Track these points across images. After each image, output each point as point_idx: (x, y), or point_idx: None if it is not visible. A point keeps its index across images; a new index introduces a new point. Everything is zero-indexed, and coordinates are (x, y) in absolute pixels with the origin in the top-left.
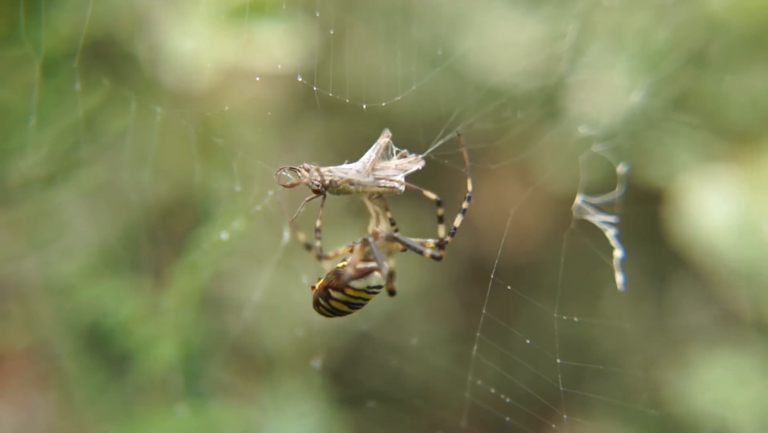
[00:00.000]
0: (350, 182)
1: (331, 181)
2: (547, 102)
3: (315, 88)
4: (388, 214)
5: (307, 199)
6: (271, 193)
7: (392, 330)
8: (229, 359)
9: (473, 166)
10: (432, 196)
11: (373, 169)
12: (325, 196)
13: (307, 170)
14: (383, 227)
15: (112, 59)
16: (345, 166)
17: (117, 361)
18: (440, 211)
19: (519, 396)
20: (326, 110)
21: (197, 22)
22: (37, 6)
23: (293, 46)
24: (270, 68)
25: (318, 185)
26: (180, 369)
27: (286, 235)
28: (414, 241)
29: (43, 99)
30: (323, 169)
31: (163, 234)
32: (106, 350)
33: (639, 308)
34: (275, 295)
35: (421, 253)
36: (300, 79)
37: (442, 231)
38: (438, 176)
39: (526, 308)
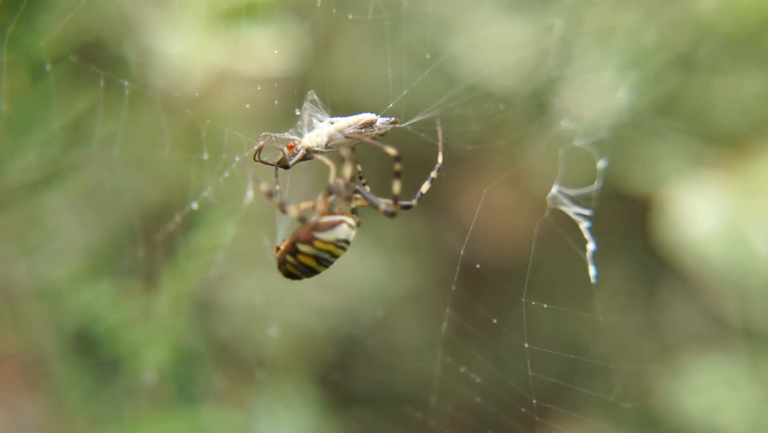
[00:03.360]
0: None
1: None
2: (532, 97)
3: (297, 113)
4: (359, 167)
5: (275, 175)
6: (237, 158)
7: (381, 331)
8: (220, 362)
9: (446, 144)
10: (392, 151)
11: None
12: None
13: (290, 147)
14: (344, 178)
15: (102, 62)
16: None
17: (107, 365)
18: (398, 166)
19: (491, 380)
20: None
21: (186, 25)
22: (24, 10)
23: (284, 49)
24: (260, 71)
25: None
26: (170, 373)
27: (250, 194)
28: (373, 196)
29: (30, 103)
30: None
31: (153, 237)
32: (96, 355)
33: (627, 307)
34: (265, 297)
35: (376, 208)
36: (276, 102)
37: (397, 187)
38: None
39: (514, 305)
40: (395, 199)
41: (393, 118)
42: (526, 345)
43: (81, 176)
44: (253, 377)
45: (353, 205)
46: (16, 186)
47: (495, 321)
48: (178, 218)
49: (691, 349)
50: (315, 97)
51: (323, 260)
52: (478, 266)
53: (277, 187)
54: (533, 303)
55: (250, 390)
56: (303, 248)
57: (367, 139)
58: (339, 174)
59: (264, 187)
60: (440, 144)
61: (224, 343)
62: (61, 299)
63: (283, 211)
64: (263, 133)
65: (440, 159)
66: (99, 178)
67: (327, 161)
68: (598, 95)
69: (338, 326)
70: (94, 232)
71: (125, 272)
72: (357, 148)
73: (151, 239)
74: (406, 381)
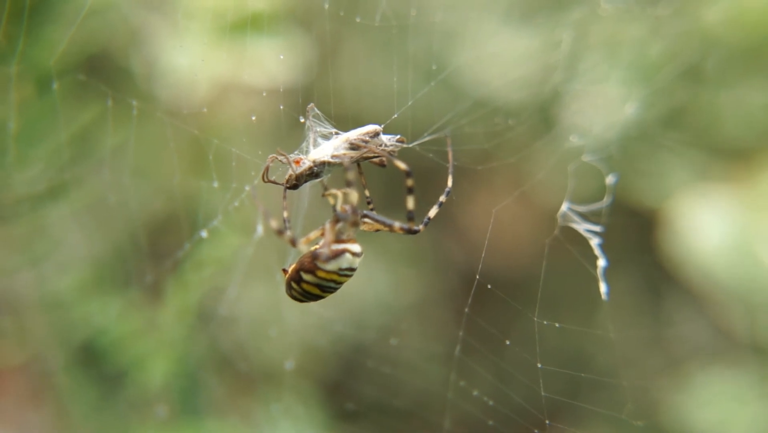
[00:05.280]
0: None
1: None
2: (540, 111)
3: (302, 120)
4: (366, 192)
5: (283, 197)
6: (247, 188)
7: (387, 342)
8: (224, 374)
9: (456, 165)
10: (402, 166)
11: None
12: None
13: (296, 162)
14: (351, 204)
15: (108, 74)
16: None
17: (112, 377)
18: (409, 182)
19: (503, 401)
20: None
21: (192, 37)
22: (30, 22)
23: (289, 59)
24: (266, 82)
25: (299, 179)
26: (175, 386)
27: (260, 229)
28: (384, 218)
29: (37, 115)
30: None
31: (158, 249)
32: (100, 367)
33: (635, 322)
34: (270, 310)
35: (391, 227)
36: (282, 108)
37: (410, 203)
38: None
39: (520, 320)
40: (410, 215)
41: (399, 136)
42: (539, 366)
43: (87, 188)
44: (257, 389)
45: (364, 229)
46: (22, 197)
47: (508, 342)
48: (188, 246)
49: (699, 363)
50: (317, 111)
51: (327, 288)
52: (489, 286)
53: (285, 214)
54: (545, 322)
55: (255, 402)
56: (306, 276)
57: (376, 149)
58: (345, 200)
59: (274, 224)
60: (450, 166)
61: (229, 355)
62: (66, 310)
63: (294, 245)
64: (270, 156)
65: (450, 182)
66: (105, 190)
67: (333, 190)
68: (605, 109)
69: (342, 337)
70: (100, 243)
71: (130, 283)
72: (363, 172)
73: (157, 251)
74: (412, 394)
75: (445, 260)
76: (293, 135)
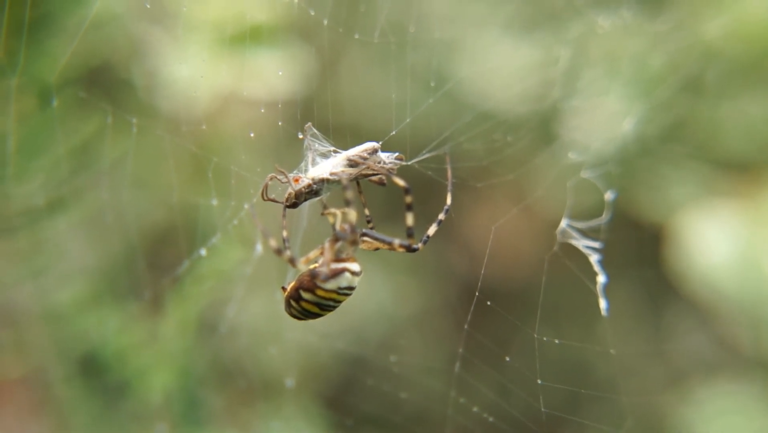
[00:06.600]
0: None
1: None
2: (540, 126)
3: (300, 136)
4: (366, 211)
5: (283, 215)
6: (246, 206)
7: (387, 354)
8: (225, 385)
9: (455, 183)
10: (401, 182)
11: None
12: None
13: (296, 180)
14: (350, 223)
15: (109, 85)
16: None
17: (113, 389)
18: (408, 199)
19: (503, 416)
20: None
21: (193, 48)
22: (32, 35)
23: (289, 72)
24: (265, 95)
25: (298, 197)
26: (176, 397)
27: (259, 248)
28: (384, 236)
29: (37, 128)
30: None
31: (158, 261)
32: (102, 378)
33: (636, 335)
34: (270, 323)
35: (390, 245)
36: (280, 123)
37: (410, 219)
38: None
39: (520, 334)
40: (409, 231)
41: (398, 154)
42: (539, 381)
43: (87, 201)
44: (259, 401)
45: (363, 248)
46: (22, 210)
47: (508, 359)
48: (186, 264)
49: (704, 377)
50: (314, 130)
51: (326, 306)
52: (489, 303)
53: (285, 234)
54: (545, 339)
55: (255, 415)
56: (306, 295)
57: (374, 167)
58: (345, 219)
59: (273, 243)
60: (450, 184)
61: (229, 368)
62: (67, 322)
63: (293, 265)
64: (270, 174)
65: (449, 200)
66: (105, 202)
67: (333, 209)
68: (605, 124)
69: (343, 348)
70: (100, 256)
71: (131, 296)
72: (363, 190)
73: (157, 264)
74: (411, 410)
75: (445, 272)
76: (292, 150)
